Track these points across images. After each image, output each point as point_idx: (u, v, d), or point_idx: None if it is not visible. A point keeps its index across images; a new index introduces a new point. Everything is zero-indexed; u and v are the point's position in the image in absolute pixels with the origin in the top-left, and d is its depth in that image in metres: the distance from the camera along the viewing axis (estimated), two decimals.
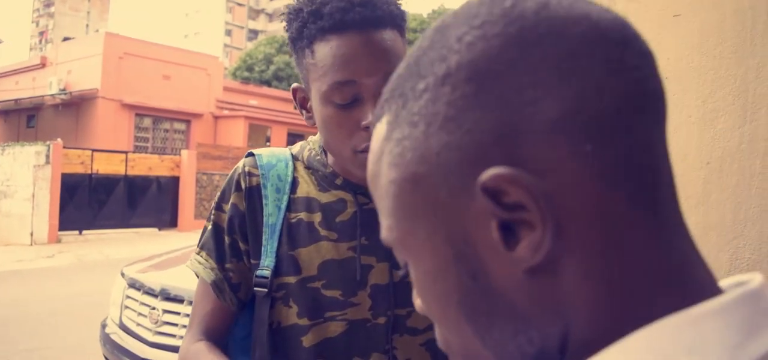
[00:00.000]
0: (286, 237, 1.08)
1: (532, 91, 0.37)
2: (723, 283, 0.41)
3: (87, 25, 64.51)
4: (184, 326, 3.44)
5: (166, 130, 22.85)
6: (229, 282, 1.11)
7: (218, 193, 1.15)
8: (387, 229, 0.44)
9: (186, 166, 17.34)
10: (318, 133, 1.13)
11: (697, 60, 1.22)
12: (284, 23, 1.06)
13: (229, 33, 63.32)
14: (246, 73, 31.76)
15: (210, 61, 24.25)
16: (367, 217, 1.06)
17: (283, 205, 1.10)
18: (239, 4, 64.44)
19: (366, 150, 0.95)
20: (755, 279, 0.39)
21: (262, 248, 1.08)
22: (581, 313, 0.38)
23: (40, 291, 8.87)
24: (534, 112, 0.37)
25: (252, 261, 1.10)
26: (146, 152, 19.83)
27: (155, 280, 4.13)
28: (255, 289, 1.09)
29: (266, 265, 1.08)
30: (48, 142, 15.08)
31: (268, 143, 23.29)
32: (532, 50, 0.38)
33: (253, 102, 24.84)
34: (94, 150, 16.16)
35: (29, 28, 71.79)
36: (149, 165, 16.98)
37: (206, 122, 23.04)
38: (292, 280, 1.07)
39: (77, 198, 15.30)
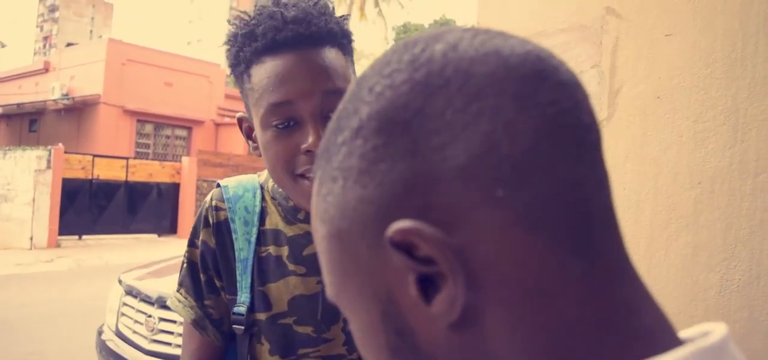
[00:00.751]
0: (257, 272, 1.06)
1: (438, 138, 0.35)
2: (684, 333, 0.39)
3: (91, 31, 64.70)
4: (180, 335, 3.44)
5: (168, 137, 22.86)
6: (210, 318, 1.09)
7: (192, 229, 1.11)
8: (327, 285, 0.43)
9: (187, 172, 17.35)
10: None
11: (688, 80, 1.23)
12: (225, 53, 1.03)
13: None
14: None
15: (212, 68, 24.28)
16: None
17: (253, 238, 1.06)
18: (242, 12, 64.54)
19: (306, 174, 0.92)
20: (718, 330, 0.36)
21: (237, 283, 1.06)
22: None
23: (39, 295, 8.86)
24: (442, 159, 0.35)
25: (228, 297, 1.08)
26: (147, 158, 19.85)
27: (152, 287, 4.13)
28: (233, 326, 1.07)
29: (242, 301, 1.05)
30: (49, 147, 15.10)
31: None
32: (438, 94, 0.36)
33: None
34: (95, 155, 16.16)
35: (34, 33, 72.01)
36: (150, 171, 16.99)
37: (207, 129, 23.06)
38: (262, 316, 1.04)
39: (78, 203, 15.31)
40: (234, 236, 1.06)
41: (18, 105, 23.91)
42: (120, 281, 4.44)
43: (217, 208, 1.08)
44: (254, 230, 1.07)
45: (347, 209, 0.38)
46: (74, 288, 9.30)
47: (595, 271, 0.36)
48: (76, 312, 7.53)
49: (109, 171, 15.93)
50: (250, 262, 1.05)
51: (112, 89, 20.98)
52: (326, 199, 0.40)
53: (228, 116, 23.09)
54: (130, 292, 4.21)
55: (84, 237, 15.39)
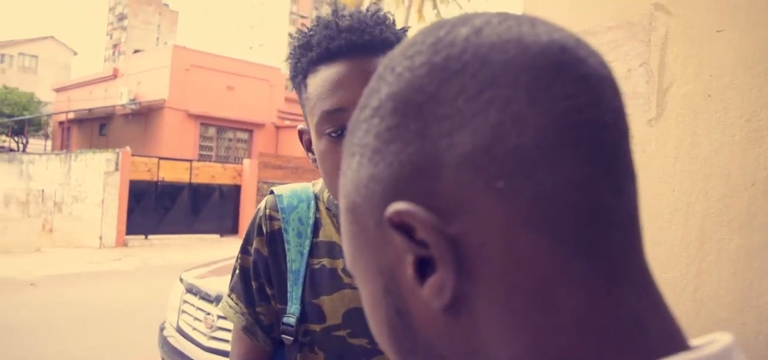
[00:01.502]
0: (309, 284, 1.05)
1: (448, 123, 0.35)
2: (694, 342, 0.37)
3: (157, 38, 66.82)
4: None
5: (230, 140, 23.40)
6: (261, 324, 1.10)
7: (245, 235, 1.12)
8: (345, 255, 0.44)
9: (248, 174, 17.72)
10: None
11: (740, 77, 1.18)
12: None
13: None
14: None
15: (272, 72, 24.72)
16: None
17: (306, 251, 1.06)
18: (302, 17, 65.51)
19: None
20: (722, 339, 0.35)
21: (288, 294, 1.06)
22: (503, 354, 0.36)
23: (107, 292, 9.21)
24: (449, 145, 0.35)
25: (278, 305, 1.09)
26: (210, 161, 20.35)
27: (212, 285, 4.23)
28: (282, 336, 1.07)
29: (292, 312, 1.06)
30: (117, 150, 15.68)
31: None
32: (453, 79, 0.36)
33: None
34: (160, 158, 16.69)
35: (104, 41, 74.86)
36: (212, 173, 17.42)
37: (268, 132, 23.48)
38: (316, 327, 1.05)
39: (144, 204, 15.84)
40: (287, 247, 1.07)
41: (89, 110, 24.92)
42: (181, 280, 4.56)
43: (271, 218, 1.09)
44: (307, 242, 1.07)
45: (360, 186, 0.39)
46: (140, 286, 9.63)
47: (598, 273, 0.35)
48: (140, 309, 7.79)
49: (173, 173, 16.42)
50: (301, 274, 1.05)
51: (177, 94, 21.62)
52: (346, 174, 0.41)
53: (288, 119, 23.46)
54: (191, 290, 4.32)
55: (150, 237, 15.92)
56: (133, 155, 15.83)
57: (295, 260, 1.06)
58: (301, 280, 1.05)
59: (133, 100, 22.68)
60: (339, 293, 1.04)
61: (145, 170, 15.95)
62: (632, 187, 0.38)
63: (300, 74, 0.98)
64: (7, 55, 44.49)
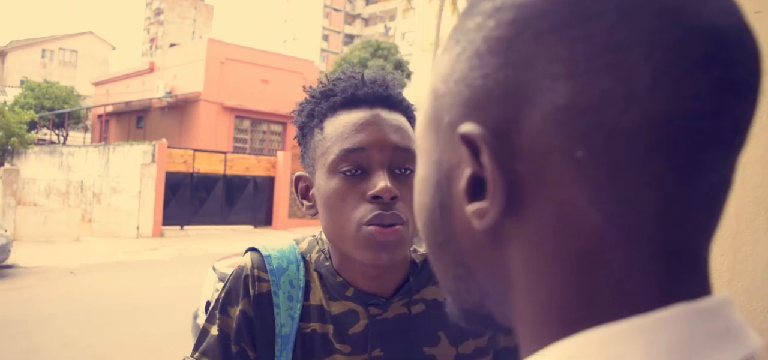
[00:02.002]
0: (301, 349, 1.02)
1: (558, 66, 0.33)
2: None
3: (193, 32, 67.72)
4: None
5: (264, 132, 23.62)
6: None
7: (222, 294, 1.06)
8: (417, 123, 0.44)
9: (281, 166, 17.87)
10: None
11: None
12: (294, 118, 1.06)
13: (325, 38, 64.66)
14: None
15: (306, 65, 24.86)
16: (380, 328, 1.01)
17: (297, 315, 1.03)
18: (336, 10, 65.68)
19: (372, 222, 0.92)
20: (720, 296, 0.35)
21: (275, 359, 1.02)
22: (519, 304, 0.37)
23: (144, 281, 9.39)
24: (549, 88, 0.33)
25: None
26: (244, 153, 20.56)
27: None
28: None
29: None
30: (153, 142, 15.94)
31: None
32: (584, 23, 0.33)
33: None
34: (195, 150, 16.94)
35: (141, 36, 76.16)
36: (247, 165, 17.62)
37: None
38: None
39: (179, 195, 16.10)
40: (276, 311, 1.03)
41: (126, 103, 25.39)
42: (214, 269, 4.62)
43: (259, 279, 1.04)
44: (299, 306, 1.03)
45: (450, 79, 0.38)
46: (175, 275, 9.80)
47: (653, 273, 0.33)
48: (176, 298, 7.92)
49: (208, 165, 16.65)
50: (291, 339, 1.02)
51: (212, 87, 21.89)
52: (443, 56, 0.40)
53: None
54: (223, 279, 4.36)
55: (185, 227, 16.18)
56: (169, 147, 16.08)
57: (285, 325, 1.02)
58: (291, 345, 1.02)
59: (169, 93, 23.04)
60: (331, 358, 1.01)
61: (181, 162, 16.19)
62: (718, 196, 0.35)
63: (317, 118, 1.00)
64: (48, 50, 45.52)
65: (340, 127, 0.96)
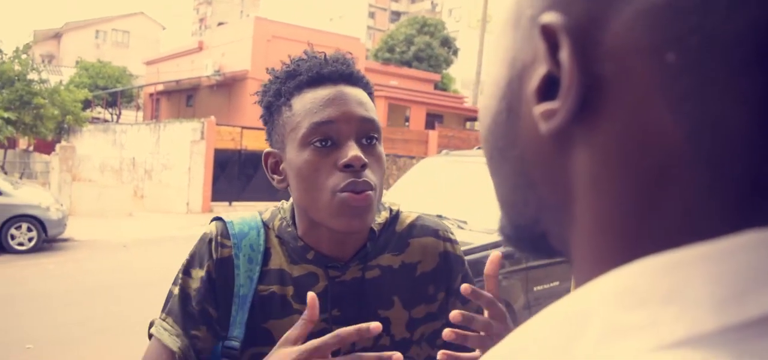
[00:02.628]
0: (259, 309, 1.08)
1: None
2: None
3: (241, 11, 68.40)
4: None
5: None
6: (195, 349, 1.08)
7: (187, 258, 1.12)
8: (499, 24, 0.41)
9: None
10: (289, 201, 1.16)
11: None
12: (259, 99, 1.13)
13: (372, 15, 64.47)
14: (387, 54, 32.14)
15: (352, 42, 24.82)
16: (339, 290, 1.09)
17: (255, 276, 1.09)
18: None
19: (345, 189, 0.99)
20: None
21: (232, 319, 1.08)
22: (579, 223, 0.34)
23: None
24: None
25: (222, 333, 1.09)
26: None
27: None
28: (222, 359, 1.08)
29: (235, 335, 1.08)
30: (202, 120, 16.18)
31: (406, 123, 23.52)
32: None
33: (393, 82, 25.13)
34: (243, 127, 17.12)
35: (191, 16, 77.36)
36: None
37: None
38: (266, 349, 1.03)
39: (228, 171, 16.33)
40: (236, 272, 1.09)
41: (176, 82, 25.83)
42: None
43: (221, 245, 1.11)
44: (257, 269, 1.10)
45: None
46: None
47: (727, 184, 0.30)
48: None
49: (256, 142, 16.81)
50: (248, 299, 1.08)
51: (259, 64, 22.04)
52: None
53: None
54: None
55: (233, 203, 16.40)
56: (217, 125, 16.30)
57: (244, 285, 1.09)
58: (247, 305, 1.08)
59: (218, 71, 23.33)
60: (289, 318, 1.07)
61: (229, 139, 16.40)
62: None
63: (284, 96, 1.06)
64: (101, 31, 46.62)
65: (309, 103, 1.03)
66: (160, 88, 27.75)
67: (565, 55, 0.32)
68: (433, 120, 23.48)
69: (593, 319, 0.30)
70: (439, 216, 4.47)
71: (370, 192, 1.00)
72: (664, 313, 0.28)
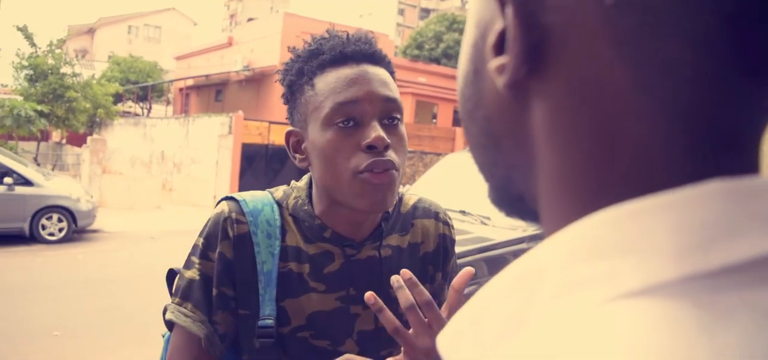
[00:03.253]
0: (279, 287, 1.07)
1: None
2: None
3: (271, 7, 68.82)
4: None
5: None
6: (218, 334, 1.07)
7: (201, 240, 1.09)
8: None
9: None
10: (302, 181, 1.15)
11: None
12: (280, 78, 1.11)
13: (401, 12, 64.39)
14: (416, 51, 32.04)
15: (381, 39, 24.71)
16: (354, 268, 1.09)
17: (276, 252, 1.07)
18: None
19: (367, 169, 0.98)
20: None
21: (260, 298, 1.06)
22: (542, 177, 0.34)
23: None
24: None
25: (241, 311, 1.07)
26: None
27: None
28: (260, 339, 1.05)
29: (268, 314, 1.05)
30: (230, 114, 16.30)
31: (434, 120, 23.43)
32: None
33: (422, 79, 25.04)
34: (271, 122, 17.18)
35: (222, 12, 78.06)
36: None
37: None
38: (283, 330, 1.06)
39: (255, 166, 16.43)
40: (256, 249, 1.06)
41: (206, 77, 26.07)
42: None
43: (237, 221, 1.07)
44: (277, 244, 1.08)
45: None
46: None
47: (682, 131, 0.29)
48: None
49: (283, 137, 16.70)
50: (274, 275, 1.06)
51: (288, 60, 22.14)
52: None
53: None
54: None
55: None
56: (245, 119, 16.40)
57: (267, 262, 1.07)
58: (274, 281, 1.06)
59: (246, 66, 23.50)
60: (305, 296, 1.07)
61: (257, 134, 16.49)
62: None
63: (306, 76, 1.05)
64: (133, 26, 47.30)
65: (332, 82, 1.02)
66: (190, 82, 28.04)
67: (508, 9, 0.32)
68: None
69: (549, 275, 0.29)
70: (463, 211, 4.43)
71: (393, 171, 1.00)
72: (621, 264, 0.27)
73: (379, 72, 1.04)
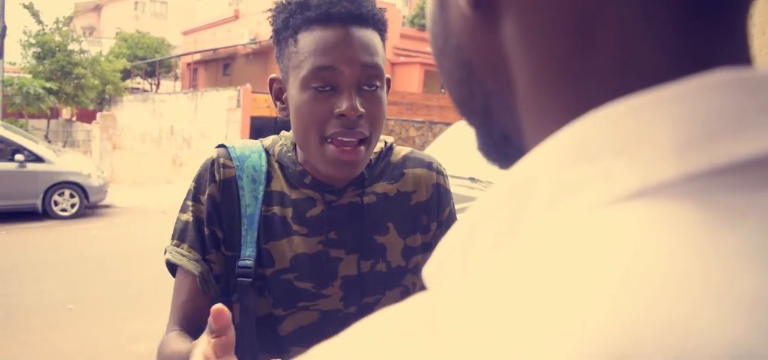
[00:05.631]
0: (263, 230, 1.10)
1: None
2: None
3: None
4: None
5: None
6: (213, 273, 1.11)
7: (193, 184, 1.13)
8: None
9: None
10: (290, 130, 1.15)
11: None
12: (270, 16, 1.10)
13: None
14: (423, 21, 31.72)
15: (388, 8, 24.46)
16: (335, 214, 1.11)
17: (260, 196, 1.11)
18: None
19: (335, 137, 1.00)
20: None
21: (242, 239, 1.09)
22: (522, 95, 0.31)
23: None
24: None
25: (227, 253, 1.11)
26: None
27: None
28: (238, 279, 1.09)
29: (248, 255, 1.09)
30: (238, 88, 16.28)
31: (442, 90, 23.30)
32: None
33: (430, 49, 24.85)
34: None
35: None
36: None
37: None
38: (266, 271, 1.10)
39: (263, 138, 16.40)
40: (241, 193, 1.10)
41: (213, 51, 26.00)
42: None
43: (224, 166, 1.11)
44: (261, 188, 1.11)
45: None
46: None
47: (667, 18, 0.27)
48: None
49: None
50: (256, 218, 1.09)
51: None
52: None
53: (403, 55, 23.39)
54: None
55: None
56: (253, 92, 16.37)
57: (250, 205, 1.10)
58: (256, 224, 1.09)
59: (253, 39, 23.38)
60: (288, 239, 1.10)
61: (265, 107, 16.46)
62: None
63: (291, 29, 1.04)
64: (140, 2, 47.12)
65: (313, 44, 1.01)
66: (198, 57, 27.97)
67: None
68: None
69: (540, 182, 0.27)
70: (472, 179, 4.42)
71: (361, 146, 1.01)
72: (616, 164, 0.25)
73: (364, 34, 1.03)
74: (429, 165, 1.21)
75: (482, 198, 0.30)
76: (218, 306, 0.80)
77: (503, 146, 0.36)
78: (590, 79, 0.28)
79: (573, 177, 0.26)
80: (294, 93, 1.04)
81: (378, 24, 1.06)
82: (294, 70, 1.03)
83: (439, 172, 1.21)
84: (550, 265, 0.23)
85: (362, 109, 0.99)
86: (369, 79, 1.02)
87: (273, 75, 1.13)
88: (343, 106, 0.99)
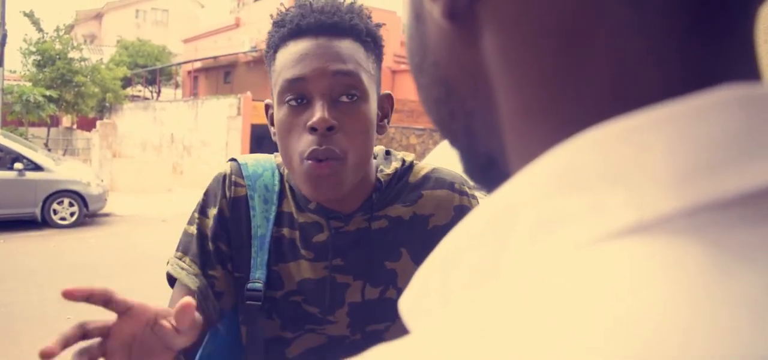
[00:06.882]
0: (273, 251, 1.07)
1: None
2: None
3: None
4: None
5: None
6: (213, 289, 1.07)
7: (202, 198, 1.11)
8: None
9: None
10: None
11: None
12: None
13: None
14: None
15: (388, 16, 24.58)
16: (341, 241, 1.06)
17: (272, 217, 1.07)
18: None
19: (311, 156, 0.94)
20: None
21: (252, 260, 1.06)
22: (504, 113, 0.29)
23: None
24: None
25: (235, 274, 1.08)
26: None
27: None
28: (247, 302, 1.06)
29: (257, 277, 1.06)
30: (239, 96, 16.28)
31: None
32: None
33: None
34: None
35: None
36: None
37: (384, 75, 23.00)
38: (276, 293, 1.07)
39: (264, 147, 16.18)
40: (252, 213, 1.07)
41: (214, 59, 26.03)
42: None
43: (235, 184, 1.09)
44: (273, 209, 1.08)
45: None
46: None
47: (665, 30, 0.24)
48: None
49: None
50: (267, 240, 1.06)
51: None
52: None
53: (403, 63, 23.36)
54: None
55: None
56: (253, 100, 16.36)
57: (261, 226, 1.07)
58: (267, 245, 1.06)
59: (254, 47, 23.40)
60: (296, 263, 1.07)
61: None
62: None
63: (271, 49, 1.02)
64: (141, 10, 47.19)
65: (285, 58, 0.98)
66: (198, 65, 27.99)
67: None
68: None
69: (524, 211, 0.24)
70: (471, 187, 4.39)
71: (333, 162, 0.94)
72: (609, 194, 0.22)
73: (338, 45, 0.97)
74: (451, 185, 1.11)
75: (461, 225, 0.27)
76: (186, 299, 0.82)
77: (489, 169, 0.32)
78: (580, 98, 0.25)
79: (559, 208, 0.23)
80: (275, 111, 1.01)
81: (358, 34, 1.00)
82: (274, 88, 1.01)
83: (463, 193, 1.12)
84: (534, 311, 0.21)
85: (334, 122, 0.93)
86: (345, 88, 0.95)
87: (268, 100, 1.10)
88: (315, 117, 0.93)
